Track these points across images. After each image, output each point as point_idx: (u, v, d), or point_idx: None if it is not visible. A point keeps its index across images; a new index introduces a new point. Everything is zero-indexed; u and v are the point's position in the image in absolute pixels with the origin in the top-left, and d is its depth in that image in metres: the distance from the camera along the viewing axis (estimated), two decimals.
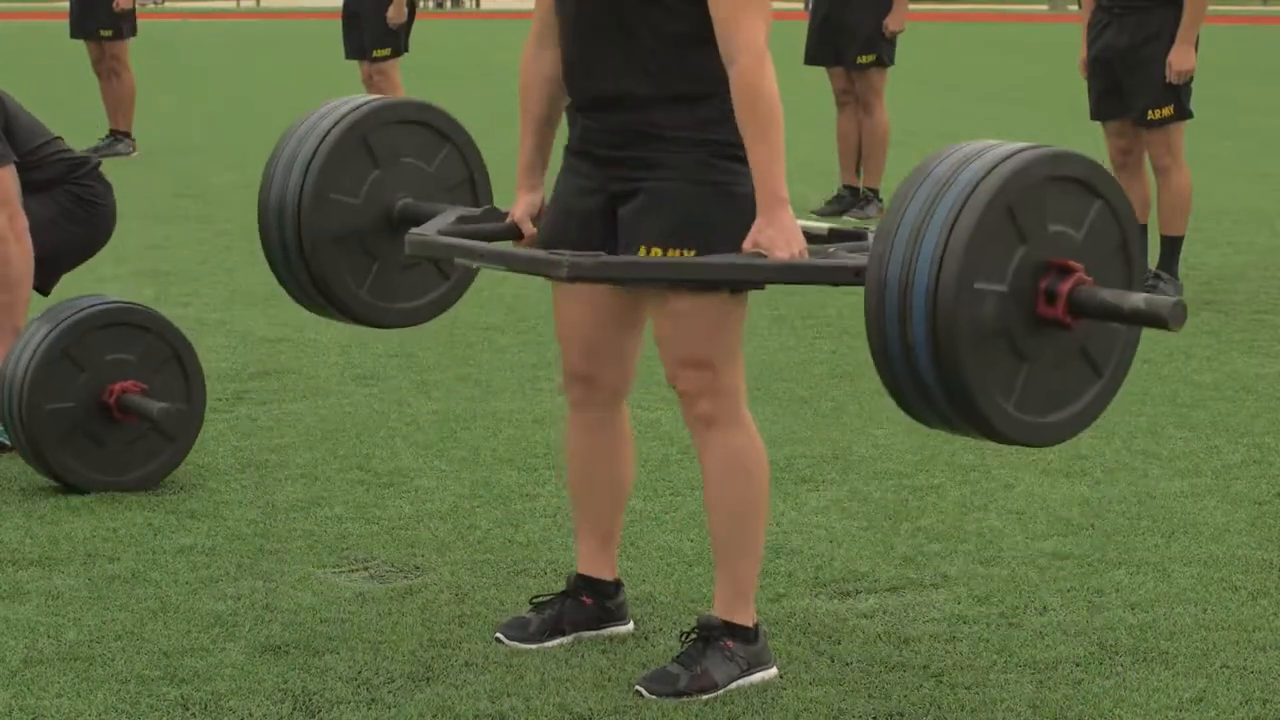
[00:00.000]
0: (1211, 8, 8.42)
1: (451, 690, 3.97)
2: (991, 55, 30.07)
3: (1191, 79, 8.19)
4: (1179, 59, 8.13)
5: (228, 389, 6.64)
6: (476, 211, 4.35)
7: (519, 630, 4.24)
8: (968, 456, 5.82)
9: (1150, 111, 8.22)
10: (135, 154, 13.81)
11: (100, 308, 5.42)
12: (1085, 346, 3.54)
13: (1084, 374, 3.57)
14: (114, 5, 13.37)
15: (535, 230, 4.21)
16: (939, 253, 3.34)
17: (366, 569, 4.77)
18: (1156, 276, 8.40)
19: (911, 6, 11.22)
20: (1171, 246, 8.46)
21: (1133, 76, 8.23)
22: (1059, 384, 3.53)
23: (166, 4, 51.59)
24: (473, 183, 4.67)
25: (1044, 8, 52.13)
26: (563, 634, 4.25)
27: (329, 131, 4.45)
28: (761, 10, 3.78)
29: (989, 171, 3.39)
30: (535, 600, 4.32)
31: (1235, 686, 4.01)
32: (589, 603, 4.28)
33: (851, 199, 11.20)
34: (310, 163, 4.42)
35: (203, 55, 27.67)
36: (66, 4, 13.89)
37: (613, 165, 3.96)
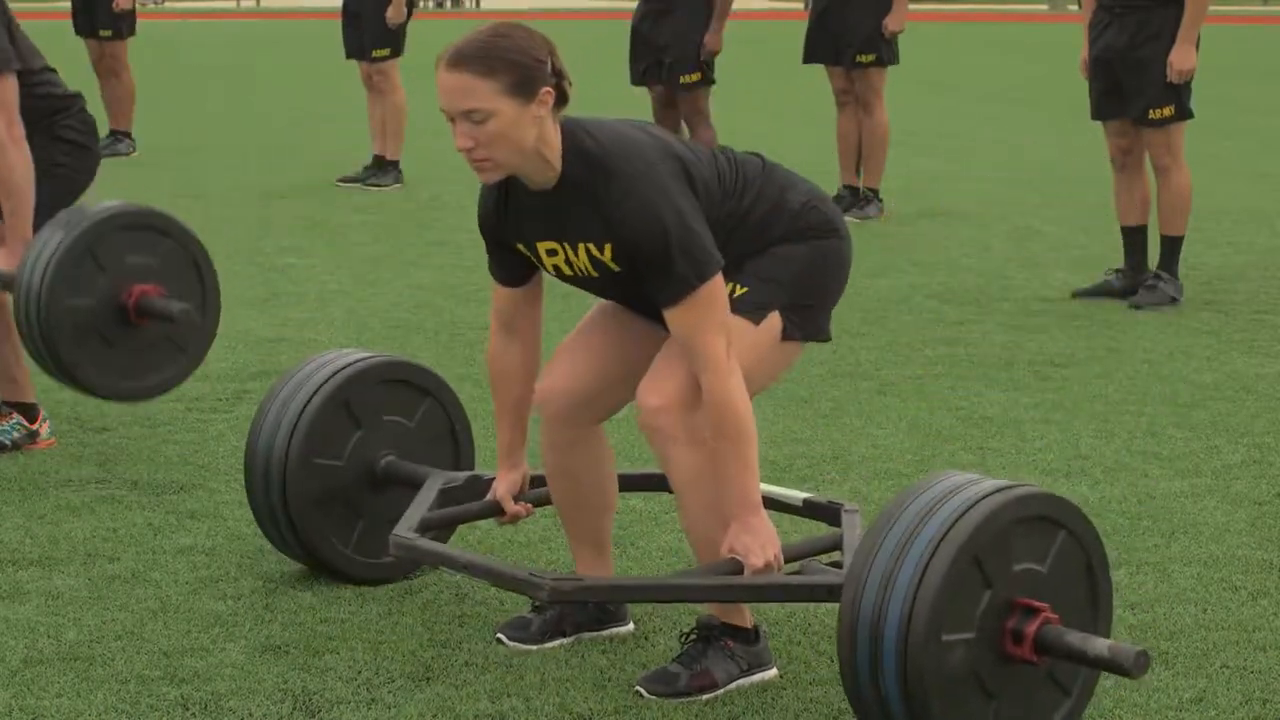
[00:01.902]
0: (1211, 8, 8.42)
1: (451, 690, 3.97)
2: (991, 55, 30.06)
3: (1192, 79, 8.19)
4: (1180, 58, 8.13)
5: (228, 389, 6.64)
6: (460, 479, 4.43)
7: (520, 630, 4.24)
8: (967, 456, 5.82)
9: (1151, 111, 8.21)
10: (135, 154, 13.81)
11: (124, 209, 5.40)
12: (1053, 673, 3.58)
13: (1052, 697, 3.61)
14: (114, 5, 13.37)
15: (518, 509, 4.27)
16: (908, 607, 3.40)
17: None
18: (1157, 276, 8.41)
19: (911, 6, 11.21)
20: (1171, 246, 8.46)
21: (1133, 76, 8.23)
22: (1027, 711, 3.57)
23: (166, 4, 51.59)
24: (454, 434, 4.75)
25: (1044, 8, 52.13)
26: (564, 634, 4.25)
27: (312, 397, 4.53)
28: (719, 324, 3.80)
29: (956, 522, 3.44)
30: (536, 602, 4.32)
31: (1235, 686, 4.01)
32: (590, 603, 4.28)
33: (852, 199, 11.20)
34: (295, 429, 4.50)
35: (203, 55, 27.67)
36: (67, 4, 13.89)
37: None
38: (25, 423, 5.81)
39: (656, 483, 4.41)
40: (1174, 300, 8.35)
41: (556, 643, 4.24)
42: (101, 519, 5.15)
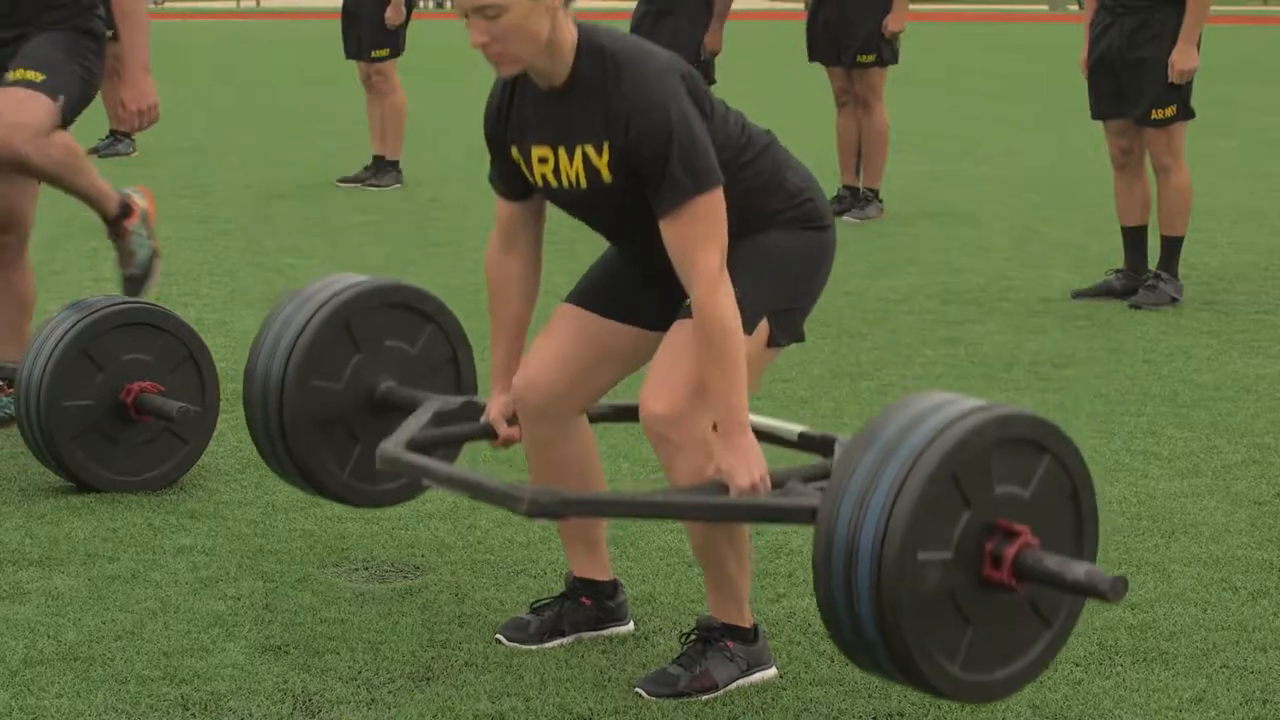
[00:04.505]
0: (1212, 8, 8.42)
1: (451, 690, 3.97)
2: (991, 55, 30.06)
3: (1193, 79, 8.19)
4: (1182, 59, 8.13)
5: (228, 389, 6.62)
6: (456, 404, 4.39)
7: (519, 631, 4.24)
8: None
9: (1154, 111, 8.22)
10: (135, 154, 13.81)
11: (119, 307, 5.44)
12: (1034, 602, 3.51)
13: (1033, 627, 3.54)
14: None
15: (511, 431, 4.23)
16: (882, 526, 3.33)
17: (366, 569, 4.77)
18: (1157, 276, 8.41)
19: (911, 6, 11.21)
20: (1171, 246, 8.46)
21: (1135, 76, 8.23)
22: (1007, 639, 3.50)
23: (166, 4, 51.58)
24: (456, 363, 4.73)
25: (1044, 8, 52.15)
26: (563, 634, 4.25)
27: (312, 318, 4.50)
28: (714, 239, 3.77)
29: (934, 438, 3.37)
30: (535, 604, 4.32)
31: (1235, 686, 4.01)
32: (588, 603, 4.28)
33: (851, 199, 11.20)
34: (293, 349, 4.48)
35: (203, 55, 27.67)
36: None
37: None
38: None
39: (631, 415, 4.31)
40: (1174, 300, 8.35)
41: (556, 643, 4.24)
42: (101, 519, 5.15)
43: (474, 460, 5.76)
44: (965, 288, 8.85)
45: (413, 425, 4.23)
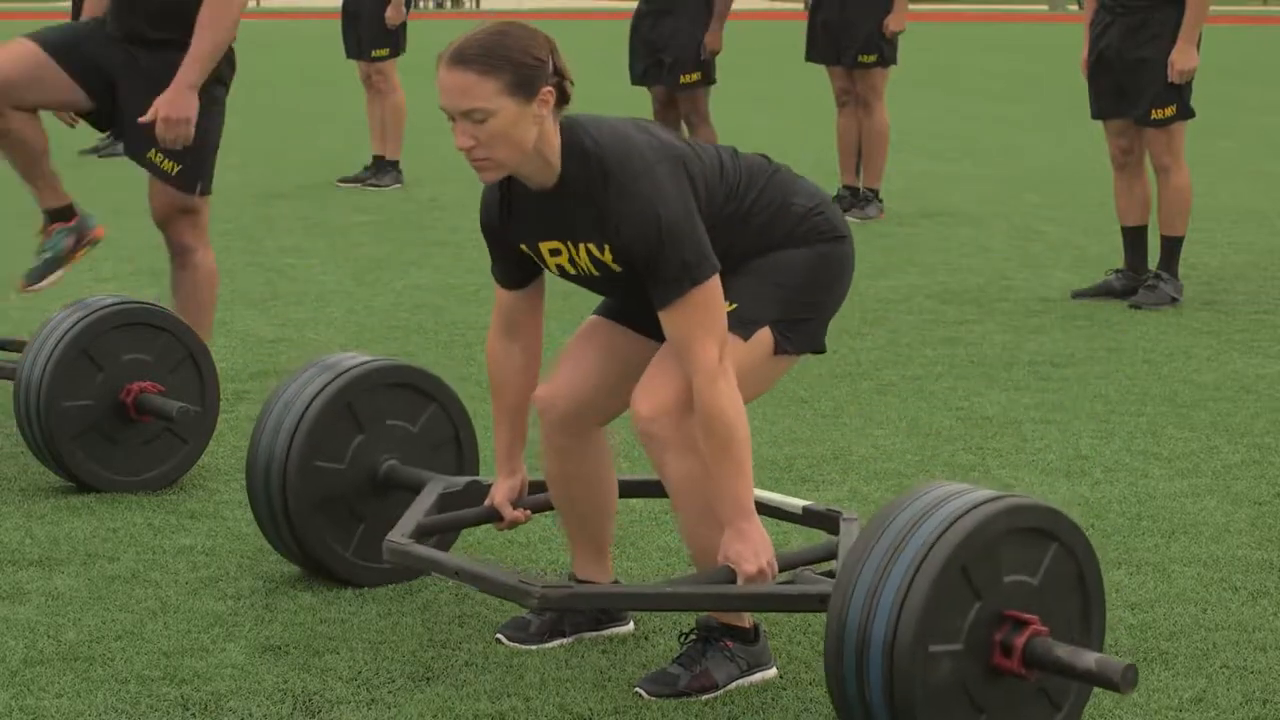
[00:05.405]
0: (1212, 8, 8.41)
1: (451, 690, 3.97)
2: (991, 55, 30.06)
3: (1193, 78, 8.19)
4: (1181, 58, 8.13)
5: (228, 389, 6.64)
6: (460, 485, 4.42)
7: (519, 631, 4.24)
8: (967, 457, 5.82)
9: (1154, 111, 8.21)
10: None
11: (119, 307, 5.44)
12: (1043, 687, 3.53)
13: (1043, 711, 3.55)
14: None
15: (516, 514, 4.27)
16: (894, 618, 3.36)
17: None
18: (1157, 276, 8.41)
19: (911, 6, 11.21)
20: (1172, 247, 8.46)
21: (1135, 76, 8.23)
22: None
23: None
24: (458, 441, 4.75)
25: (1044, 8, 52.17)
26: (563, 635, 4.25)
27: (314, 399, 4.53)
28: (712, 330, 3.80)
29: (944, 531, 3.40)
30: None
31: (1235, 686, 4.01)
32: None
33: (851, 199, 11.20)
34: (296, 431, 4.51)
35: None
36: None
37: None
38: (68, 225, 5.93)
39: (656, 489, 4.39)
40: (1174, 300, 8.35)
41: (556, 643, 4.24)
42: (101, 519, 5.15)
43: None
44: (965, 288, 8.85)
45: (417, 511, 4.27)
